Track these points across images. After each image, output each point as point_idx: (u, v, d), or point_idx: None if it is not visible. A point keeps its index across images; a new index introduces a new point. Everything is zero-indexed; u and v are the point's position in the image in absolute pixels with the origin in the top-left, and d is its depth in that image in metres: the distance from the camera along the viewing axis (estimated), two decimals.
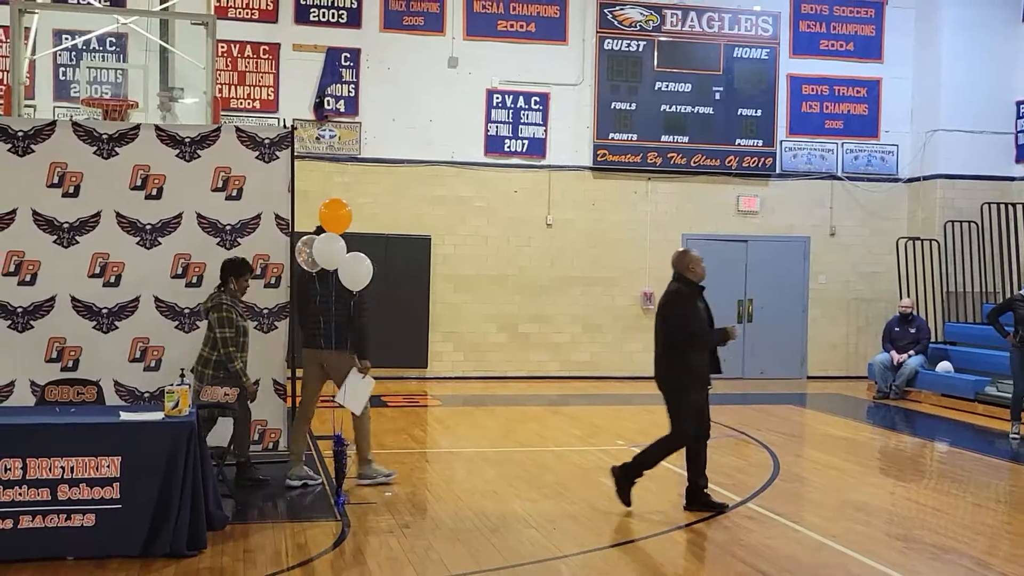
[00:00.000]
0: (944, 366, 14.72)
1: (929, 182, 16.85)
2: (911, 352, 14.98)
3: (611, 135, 16.39)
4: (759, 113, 16.82)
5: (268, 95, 15.53)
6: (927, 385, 14.68)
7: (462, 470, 9.24)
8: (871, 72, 17.25)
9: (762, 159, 16.88)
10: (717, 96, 16.66)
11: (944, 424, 12.86)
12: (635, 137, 16.45)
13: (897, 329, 15.34)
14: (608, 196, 16.57)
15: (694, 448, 7.66)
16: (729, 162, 16.76)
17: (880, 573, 6.23)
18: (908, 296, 16.04)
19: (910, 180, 17.28)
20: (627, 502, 7.66)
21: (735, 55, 16.72)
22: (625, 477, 7.72)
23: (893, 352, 15.04)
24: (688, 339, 7.54)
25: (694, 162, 16.65)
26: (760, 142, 16.85)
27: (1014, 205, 16.24)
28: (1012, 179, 16.68)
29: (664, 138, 16.53)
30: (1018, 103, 16.58)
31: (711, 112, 16.66)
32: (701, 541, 6.95)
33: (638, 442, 10.57)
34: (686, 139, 16.59)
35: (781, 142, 17.01)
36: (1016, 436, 11.36)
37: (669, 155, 16.56)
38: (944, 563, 6.50)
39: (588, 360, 16.56)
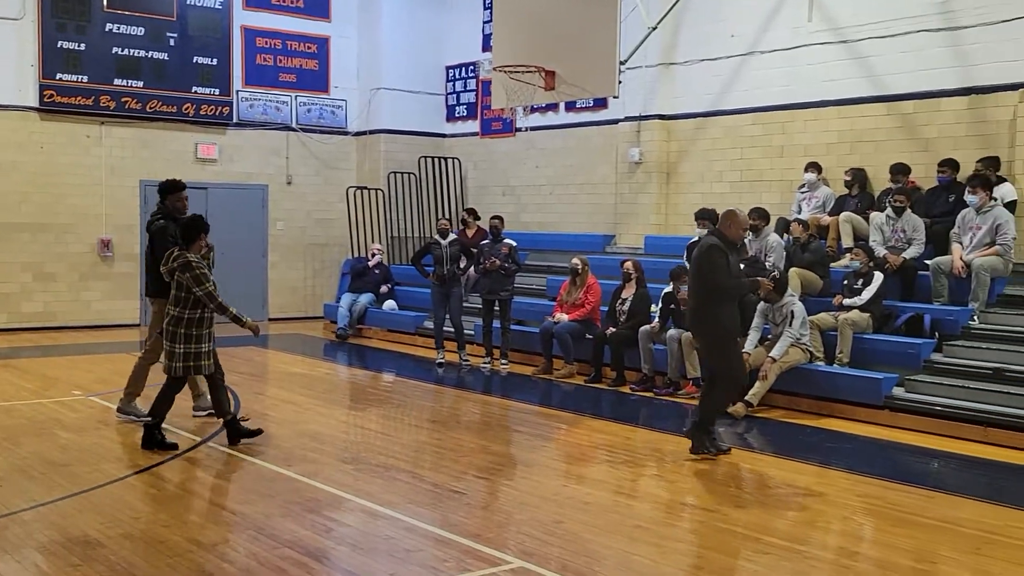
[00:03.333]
0: (389, 304, 16.22)
1: (374, 136, 18.24)
2: (384, 291, 16.29)
3: (59, 76, 15.53)
4: (215, 62, 16.96)
5: None
6: (376, 322, 16.09)
7: None
8: (320, 30, 18.15)
9: (219, 108, 17.07)
10: (172, 42, 16.50)
11: (390, 356, 14.24)
12: (86, 79, 15.75)
13: (361, 269, 16.53)
14: (57, 139, 15.74)
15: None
16: (186, 109, 16.73)
17: (331, 495, 6.87)
18: (377, 242, 17.30)
19: (358, 134, 18.56)
20: (719, 449, 8.03)
21: (189, 3, 16.63)
22: (702, 432, 7.99)
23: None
24: (720, 289, 7.77)
25: (150, 108, 16.38)
26: (217, 91, 17.02)
27: (446, 159, 18.26)
28: (444, 136, 18.65)
29: (117, 82, 16.04)
30: (448, 68, 18.52)
31: (166, 58, 16.46)
32: (160, 483, 7.08)
33: (96, 391, 10.51)
34: (141, 84, 16.25)
35: (238, 92, 17.33)
36: (442, 362, 13.02)
37: (123, 99, 16.12)
38: (387, 480, 7.34)
39: (41, 310, 15.74)
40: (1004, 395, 8.98)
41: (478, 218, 14.63)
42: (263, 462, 7.71)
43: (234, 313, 8.11)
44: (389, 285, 16.50)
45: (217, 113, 17.07)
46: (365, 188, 17.93)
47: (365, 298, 16.16)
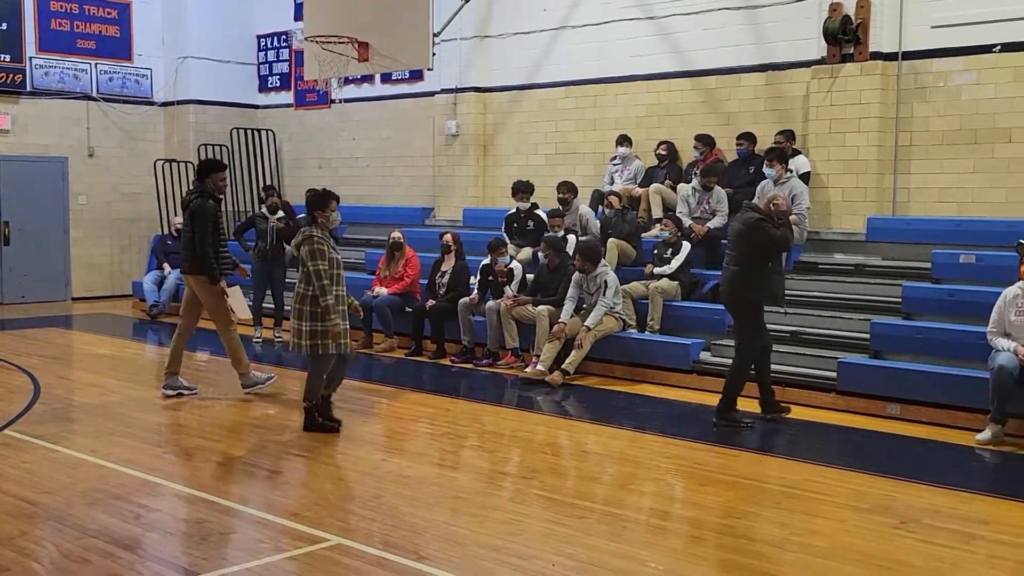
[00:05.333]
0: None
1: (183, 106, 17.53)
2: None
3: None
4: (5, 27, 15.88)
5: None
6: None
7: None
8: None
9: (11, 75, 16.03)
10: None
11: (204, 335, 13.54)
12: None
13: (170, 243, 15.83)
14: None
15: (760, 359, 8.46)
16: None
17: (141, 480, 6.63)
18: (180, 216, 16.60)
19: (165, 104, 17.79)
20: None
21: None
22: (728, 416, 8.29)
23: (166, 266, 15.51)
24: (781, 242, 8.22)
25: None
26: (8, 57, 15.96)
27: (259, 131, 17.78)
28: (256, 107, 18.14)
29: None
30: (259, 37, 17.99)
31: None
32: None
33: None
34: None
35: (31, 59, 16.30)
36: (259, 339, 12.76)
37: None
38: (200, 462, 7.19)
39: None
40: (800, 356, 9.53)
41: (278, 193, 14.27)
42: (65, 448, 7.38)
43: (329, 303, 7.63)
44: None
45: (8, 81, 16.01)
46: (174, 160, 17.23)
47: (175, 274, 15.56)
